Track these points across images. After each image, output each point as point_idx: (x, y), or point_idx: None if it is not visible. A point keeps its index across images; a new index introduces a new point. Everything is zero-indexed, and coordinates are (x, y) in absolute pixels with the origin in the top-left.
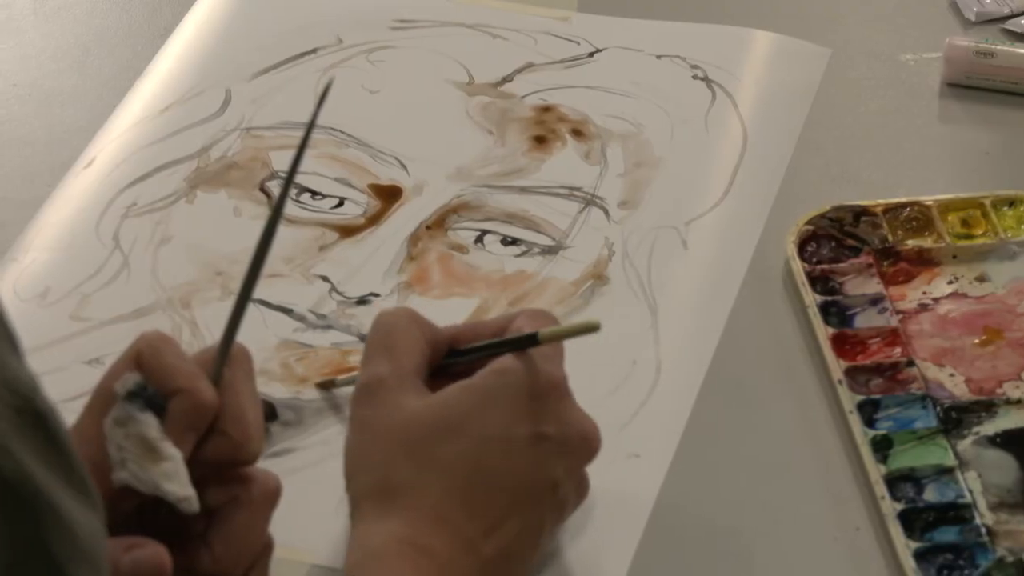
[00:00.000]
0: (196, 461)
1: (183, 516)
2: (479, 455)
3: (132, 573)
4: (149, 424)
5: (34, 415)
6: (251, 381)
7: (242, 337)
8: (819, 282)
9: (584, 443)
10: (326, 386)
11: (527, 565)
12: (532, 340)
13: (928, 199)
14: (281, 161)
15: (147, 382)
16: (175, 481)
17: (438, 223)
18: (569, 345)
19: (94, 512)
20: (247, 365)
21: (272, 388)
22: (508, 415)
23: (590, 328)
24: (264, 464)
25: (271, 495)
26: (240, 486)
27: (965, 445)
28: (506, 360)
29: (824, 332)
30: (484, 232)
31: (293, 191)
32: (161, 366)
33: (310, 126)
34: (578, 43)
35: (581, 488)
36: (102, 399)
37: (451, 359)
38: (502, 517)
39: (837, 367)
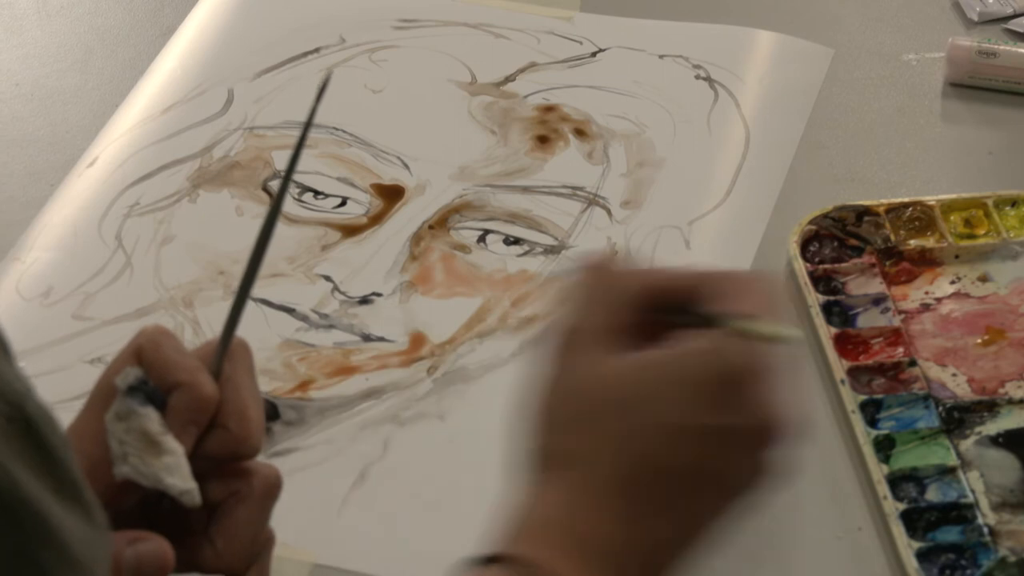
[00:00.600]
0: (197, 456)
1: (185, 510)
2: (659, 440)
3: (135, 566)
4: (150, 418)
5: (24, 422)
6: (251, 375)
7: (244, 336)
8: (821, 282)
9: (770, 436)
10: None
11: (686, 555)
12: (750, 330)
13: (930, 199)
14: (284, 160)
15: (148, 376)
16: (177, 475)
17: (440, 223)
18: None
19: (88, 520)
20: (247, 359)
21: (274, 387)
22: (697, 400)
23: (792, 338)
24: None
25: (272, 488)
26: (241, 480)
27: (967, 445)
28: (708, 338)
29: (826, 332)
30: (486, 232)
31: (295, 190)
32: (162, 360)
33: (309, 120)
34: (581, 43)
35: (764, 476)
36: (103, 394)
37: (659, 314)
38: (670, 505)
39: (839, 367)
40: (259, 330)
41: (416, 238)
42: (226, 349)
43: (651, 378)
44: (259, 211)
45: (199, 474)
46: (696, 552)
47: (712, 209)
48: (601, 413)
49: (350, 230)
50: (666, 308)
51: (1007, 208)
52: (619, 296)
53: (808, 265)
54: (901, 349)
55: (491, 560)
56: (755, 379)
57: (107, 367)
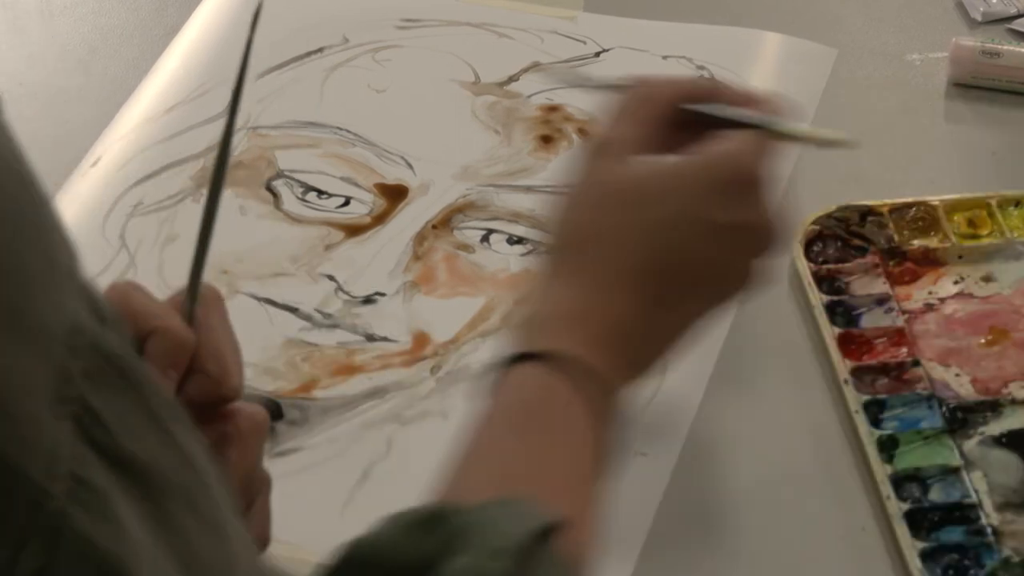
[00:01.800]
0: (179, 402)
1: None
2: (674, 232)
3: None
4: None
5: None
6: (224, 319)
7: (248, 336)
8: (825, 282)
9: (771, 237)
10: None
11: (682, 343)
12: (770, 128)
13: (934, 199)
14: (287, 161)
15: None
16: None
17: (444, 222)
18: None
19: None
20: (218, 303)
21: (278, 387)
22: (711, 197)
23: (845, 143)
24: (271, 464)
25: (259, 427)
26: (227, 422)
27: (971, 445)
28: (726, 142)
29: (830, 332)
30: (490, 231)
31: (299, 190)
32: (133, 310)
33: (248, 48)
34: (584, 43)
35: (760, 277)
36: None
37: (693, 113)
38: (677, 301)
39: (843, 367)
40: (263, 329)
41: (419, 238)
42: (195, 294)
43: (671, 175)
44: (263, 210)
45: None
46: (690, 339)
47: None
48: (622, 207)
49: (353, 230)
50: (699, 115)
51: (1011, 208)
52: (651, 108)
53: (812, 265)
54: (905, 349)
55: (520, 358)
56: (763, 187)
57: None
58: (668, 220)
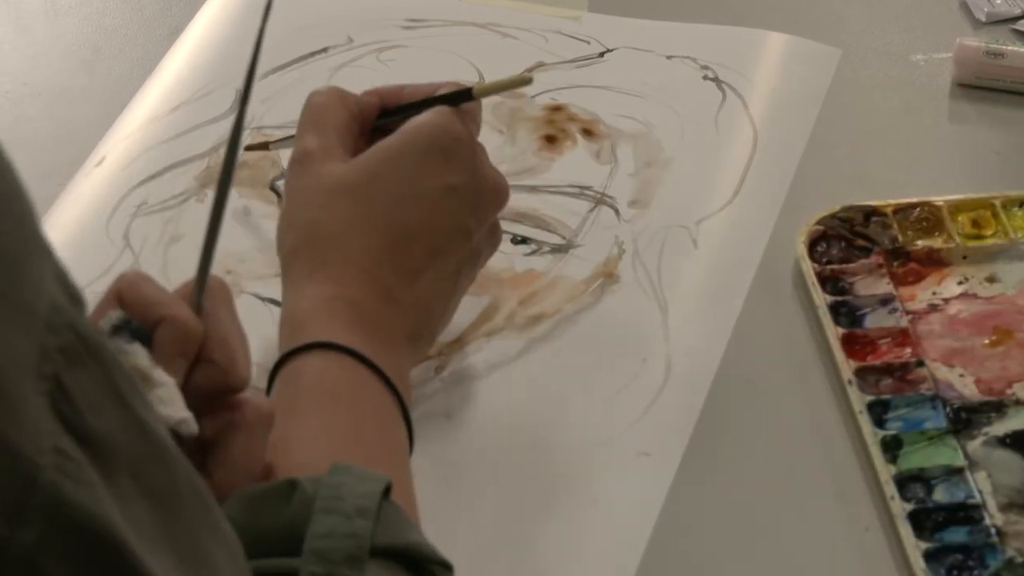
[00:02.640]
0: (187, 392)
1: (182, 447)
2: (395, 208)
3: None
4: (138, 354)
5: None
6: (232, 309)
7: (253, 335)
8: (829, 282)
9: (492, 194)
10: (260, 147)
11: (446, 310)
12: (465, 95)
13: (938, 199)
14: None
15: (130, 316)
16: (171, 405)
17: None
18: (578, 341)
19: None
20: (225, 294)
21: None
22: (419, 169)
23: (523, 81)
24: None
25: (265, 417)
26: (233, 411)
27: (975, 446)
28: (418, 119)
29: (834, 332)
30: None
31: None
32: (142, 298)
33: (259, 41)
34: (588, 43)
35: (493, 238)
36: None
37: (383, 119)
38: (419, 268)
39: (847, 367)
40: (267, 329)
41: None
42: (204, 284)
43: (376, 161)
44: (267, 211)
45: (192, 412)
46: (450, 314)
47: (720, 209)
48: (343, 199)
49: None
50: (401, 107)
51: (1015, 209)
52: (335, 113)
53: (816, 265)
54: (909, 350)
55: (290, 355)
56: (464, 146)
57: (90, 315)
58: (386, 199)
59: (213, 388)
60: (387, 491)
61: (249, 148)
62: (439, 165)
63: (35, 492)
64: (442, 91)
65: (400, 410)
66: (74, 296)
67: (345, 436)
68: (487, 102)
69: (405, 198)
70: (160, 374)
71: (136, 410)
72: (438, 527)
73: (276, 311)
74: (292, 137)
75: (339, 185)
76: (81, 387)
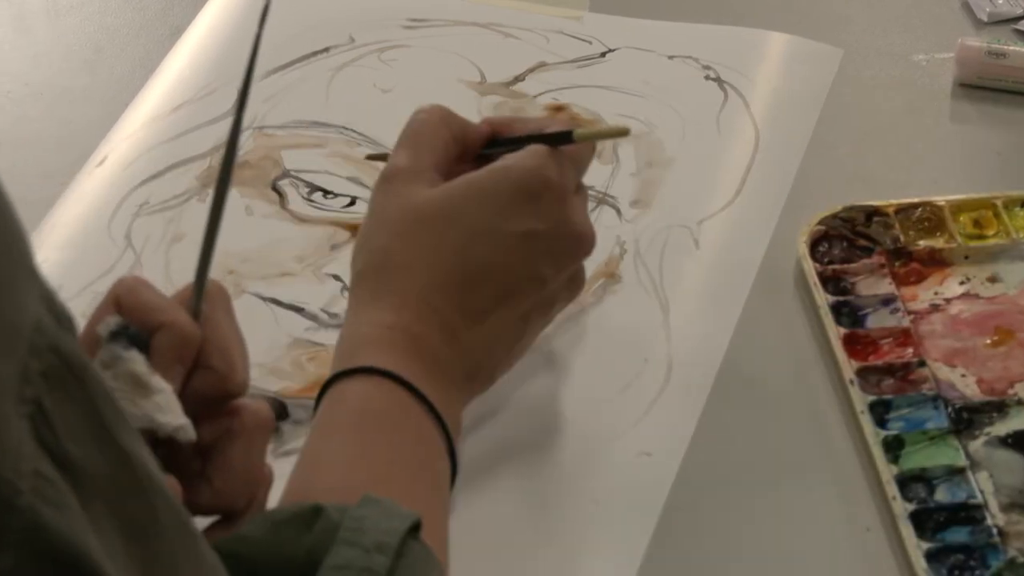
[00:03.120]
0: (185, 398)
1: (181, 454)
2: (469, 246)
3: None
4: (136, 360)
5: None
6: (230, 314)
7: (254, 335)
8: (831, 282)
9: (575, 242)
10: (380, 158)
11: (510, 354)
12: (567, 137)
13: (940, 199)
14: (293, 160)
15: (128, 322)
16: (168, 412)
17: None
18: (579, 341)
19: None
20: (224, 299)
21: (284, 387)
22: (502, 209)
23: (622, 132)
24: (277, 464)
25: (264, 423)
26: (232, 418)
27: (976, 446)
28: (512, 157)
29: (836, 332)
30: None
31: (305, 190)
32: (140, 304)
33: (256, 44)
34: (590, 42)
35: (573, 286)
36: (86, 349)
37: (489, 150)
38: (486, 309)
39: (849, 367)
40: (268, 329)
41: None
42: (202, 289)
43: (460, 194)
44: (269, 210)
45: (190, 418)
46: (516, 357)
47: (721, 209)
48: (419, 230)
49: (359, 230)
50: (505, 141)
51: (1016, 209)
52: (435, 134)
53: (817, 265)
54: (910, 350)
55: (342, 376)
56: (553, 192)
57: (88, 321)
58: (462, 236)
59: (211, 394)
60: (415, 529)
61: (369, 157)
62: (523, 208)
63: (13, 516)
64: (549, 129)
65: (446, 443)
66: (61, 317)
67: (382, 464)
68: (488, 101)
69: (481, 236)
70: (158, 380)
71: (118, 438)
72: None
73: (278, 311)
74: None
75: (418, 213)
76: (62, 412)
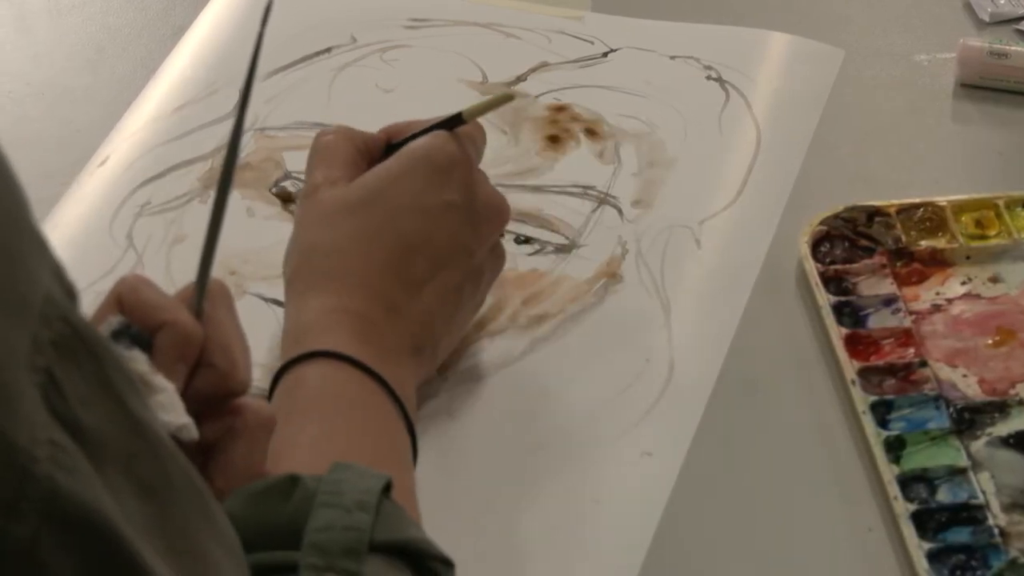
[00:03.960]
0: (187, 396)
1: (183, 451)
2: (394, 222)
3: None
4: (138, 360)
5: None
6: (233, 313)
7: (256, 335)
8: (832, 282)
9: (492, 211)
10: (284, 197)
11: (450, 327)
12: (457, 120)
13: (942, 199)
14: (295, 161)
15: (130, 321)
16: (171, 411)
17: None
18: (581, 341)
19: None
20: (226, 298)
21: None
22: (417, 186)
23: (506, 98)
24: None
25: (266, 422)
26: (234, 417)
27: (978, 446)
28: (415, 142)
29: (837, 332)
30: None
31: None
32: (142, 303)
33: (258, 45)
34: (592, 43)
35: (496, 258)
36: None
37: (389, 152)
38: (421, 280)
39: (850, 367)
40: (270, 330)
41: None
42: (204, 288)
43: (373, 182)
44: (270, 212)
45: (192, 417)
46: (457, 330)
47: (723, 209)
48: (342, 217)
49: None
50: (402, 141)
51: (1018, 209)
52: (352, 149)
53: (819, 265)
54: (912, 350)
55: (293, 363)
56: (459, 166)
57: (90, 320)
58: (385, 215)
59: (213, 393)
60: (387, 489)
61: (274, 194)
62: (436, 182)
63: (31, 485)
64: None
65: (403, 420)
66: (69, 290)
67: (345, 443)
68: None
69: (404, 212)
70: (160, 380)
71: (129, 404)
72: (440, 526)
73: (279, 311)
74: None
75: (339, 205)
76: (72, 380)
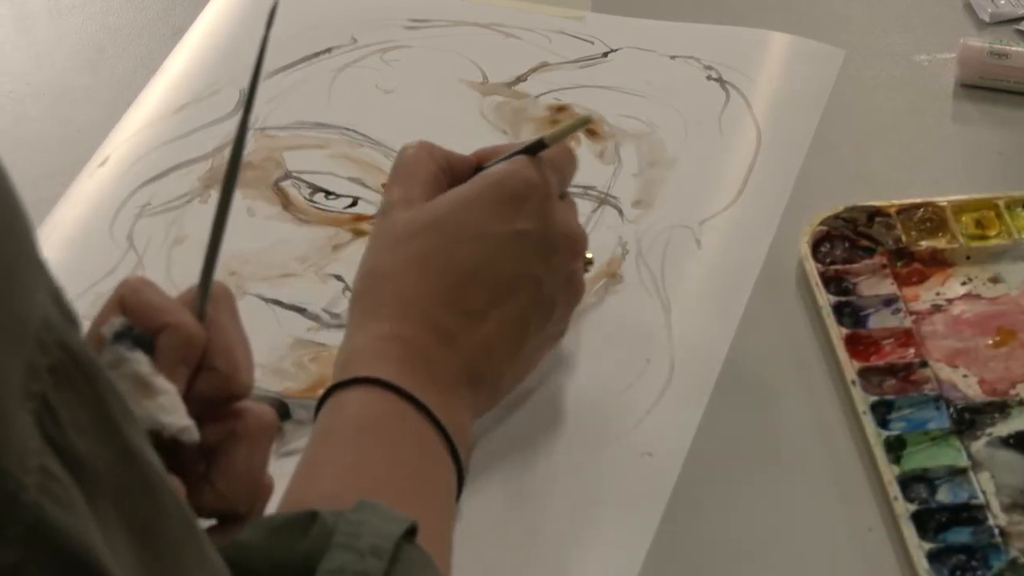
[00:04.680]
0: (189, 399)
1: (184, 455)
2: (456, 250)
3: None
4: (140, 361)
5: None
6: (235, 316)
7: (256, 336)
8: (833, 282)
9: (567, 241)
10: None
11: (517, 359)
12: (539, 145)
13: (942, 200)
14: (295, 162)
15: (133, 323)
16: (173, 413)
17: None
18: (581, 341)
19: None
20: (229, 301)
21: (286, 387)
22: (488, 214)
23: (585, 121)
24: (279, 464)
25: (268, 426)
26: (236, 420)
27: (978, 446)
28: (494, 167)
29: (838, 332)
30: None
31: (307, 191)
32: (145, 305)
33: (263, 46)
34: (592, 43)
35: (571, 289)
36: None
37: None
38: (481, 310)
39: (850, 368)
40: (270, 330)
41: None
42: (207, 291)
43: (443, 206)
44: (271, 212)
45: (194, 419)
46: (524, 363)
47: (723, 209)
48: (407, 242)
49: (361, 230)
50: (490, 165)
51: (1018, 209)
52: (425, 166)
53: (819, 266)
54: (912, 350)
55: (340, 386)
56: (536, 192)
57: (92, 322)
58: (449, 242)
59: (215, 395)
60: (411, 533)
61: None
62: (508, 210)
63: (18, 511)
64: (518, 144)
65: (448, 451)
66: (68, 313)
67: (379, 471)
68: (489, 101)
69: (468, 240)
70: (162, 381)
71: (126, 436)
72: None
73: (279, 312)
74: None
75: (406, 228)
76: (69, 408)
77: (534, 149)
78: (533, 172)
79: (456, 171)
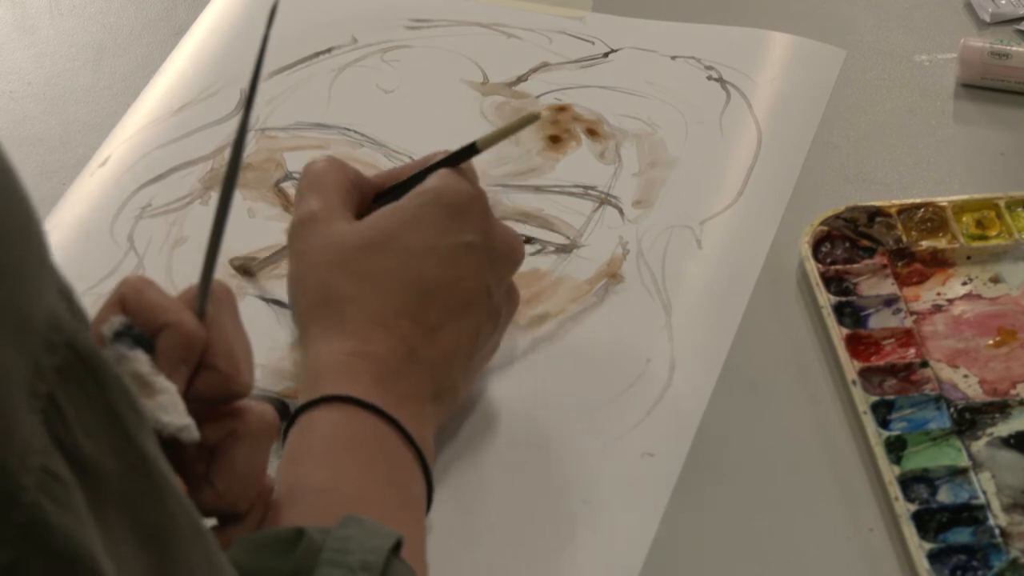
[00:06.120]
0: (189, 398)
1: (184, 455)
2: (410, 267)
3: None
4: (140, 360)
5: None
6: (235, 316)
7: (256, 337)
8: (833, 283)
9: (508, 250)
10: (244, 270)
11: (468, 369)
12: (471, 150)
13: (942, 200)
14: (296, 162)
15: (133, 322)
16: (172, 412)
17: None
18: (581, 341)
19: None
20: (229, 300)
21: (286, 387)
22: (433, 228)
23: (531, 118)
24: (278, 465)
25: (268, 426)
26: (236, 420)
27: (979, 446)
28: (428, 182)
29: (838, 333)
30: None
31: None
32: (145, 304)
33: (263, 47)
34: (593, 43)
35: (512, 297)
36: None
37: (379, 202)
38: (439, 322)
39: (851, 368)
40: (271, 330)
41: None
42: (207, 290)
43: (387, 222)
44: (271, 212)
45: (194, 419)
46: (472, 373)
47: (724, 209)
48: (356, 260)
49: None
50: (396, 186)
51: (1019, 209)
52: (336, 176)
53: (820, 266)
54: (913, 350)
55: (306, 408)
56: (476, 204)
57: (93, 321)
58: (402, 258)
59: (216, 395)
60: (397, 548)
61: (235, 268)
62: (453, 223)
63: (15, 510)
64: (438, 158)
65: (420, 466)
66: (77, 312)
67: (356, 489)
68: (490, 101)
69: (422, 255)
70: (162, 381)
71: (135, 438)
72: (439, 528)
73: (279, 312)
74: (278, 253)
75: (351, 243)
76: (77, 409)
77: (463, 156)
78: (467, 184)
79: (362, 187)
